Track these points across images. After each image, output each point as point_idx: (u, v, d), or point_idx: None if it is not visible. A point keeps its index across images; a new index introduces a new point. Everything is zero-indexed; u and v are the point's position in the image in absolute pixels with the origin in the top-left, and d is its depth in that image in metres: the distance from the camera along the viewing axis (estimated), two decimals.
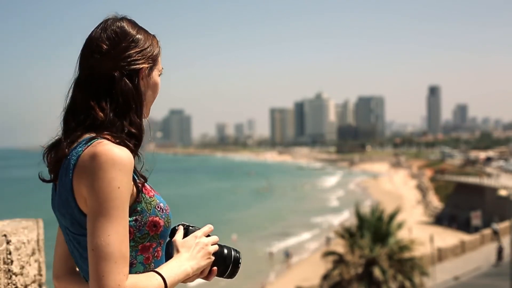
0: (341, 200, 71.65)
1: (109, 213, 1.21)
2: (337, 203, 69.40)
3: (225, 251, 1.47)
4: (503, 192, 43.53)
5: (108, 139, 1.29)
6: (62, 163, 1.33)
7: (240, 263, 1.48)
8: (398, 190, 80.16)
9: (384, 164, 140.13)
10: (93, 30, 1.41)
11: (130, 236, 1.28)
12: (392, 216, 22.40)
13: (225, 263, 1.46)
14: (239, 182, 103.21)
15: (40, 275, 2.45)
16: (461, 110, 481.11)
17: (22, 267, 2.28)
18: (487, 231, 36.78)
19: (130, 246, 1.28)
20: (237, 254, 1.48)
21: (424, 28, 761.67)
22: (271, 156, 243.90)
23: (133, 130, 1.35)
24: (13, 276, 2.22)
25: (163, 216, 1.36)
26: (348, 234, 21.82)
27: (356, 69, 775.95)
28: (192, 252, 1.39)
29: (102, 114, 1.32)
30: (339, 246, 22.95)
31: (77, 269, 1.44)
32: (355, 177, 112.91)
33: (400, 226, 22.45)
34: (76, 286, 1.45)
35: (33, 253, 2.38)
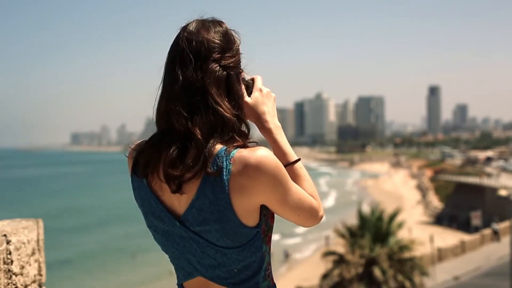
0: (340, 200, 71.64)
1: (291, 187, 1.38)
2: (336, 203, 69.41)
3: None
4: (503, 192, 43.57)
5: (238, 146, 1.34)
6: (200, 179, 1.32)
7: None
8: (398, 190, 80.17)
9: (384, 164, 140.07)
10: (198, 28, 1.41)
11: (263, 234, 1.41)
12: (393, 216, 22.41)
13: None
14: None
15: (40, 275, 2.45)
16: (461, 110, 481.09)
17: (22, 267, 2.28)
18: (487, 231, 36.78)
19: (264, 242, 1.42)
20: None
21: (424, 28, 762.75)
22: None
23: (244, 130, 1.42)
24: (13, 276, 2.22)
25: None
26: (349, 234, 21.82)
27: (356, 69, 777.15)
28: (270, 109, 1.54)
29: (230, 113, 1.37)
30: (339, 246, 22.95)
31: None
32: (361, 178, 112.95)
33: (400, 226, 22.45)
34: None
35: (33, 253, 2.38)
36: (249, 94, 1.53)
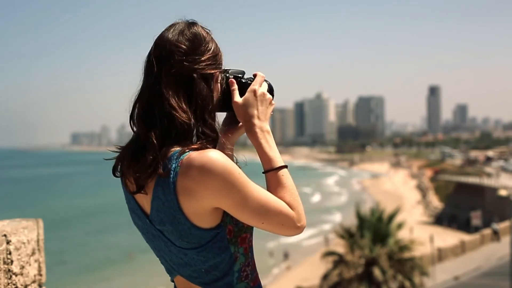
0: (351, 198, 71.66)
1: (249, 192, 1.33)
2: (337, 203, 69.44)
3: (268, 82, 1.56)
4: (503, 192, 43.57)
5: (194, 149, 1.33)
6: (155, 180, 1.34)
7: (273, 88, 1.58)
8: (398, 190, 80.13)
9: (384, 164, 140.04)
10: (166, 33, 1.42)
11: (229, 235, 1.38)
12: (392, 216, 22.40)
13: (271, 92, 1.56)
14: None
15: (40, 275, 2.45)
16: (461, 110, 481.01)
17: (22, 267, 2.28)
18: (487, 231, 36.77)
19: (232, 243, 1.39)
20: (269, 81, 1.58)
21: (424, 28, 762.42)
22: None
23: (209, 132, 1.39)
24: (13, 276, 2.22)
25: None
26: (348, 234, 21.81)
27: (356, 69, 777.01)
28: (260, 112, 1.48)
29: (185, 116, 1.35)
30: (339, 246, 22.94)
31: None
32: (368, 177, 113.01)
33: (400, 226, 22.44)
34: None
35: (33, 253, 2.38)
36: (244, 94, 1.50)
